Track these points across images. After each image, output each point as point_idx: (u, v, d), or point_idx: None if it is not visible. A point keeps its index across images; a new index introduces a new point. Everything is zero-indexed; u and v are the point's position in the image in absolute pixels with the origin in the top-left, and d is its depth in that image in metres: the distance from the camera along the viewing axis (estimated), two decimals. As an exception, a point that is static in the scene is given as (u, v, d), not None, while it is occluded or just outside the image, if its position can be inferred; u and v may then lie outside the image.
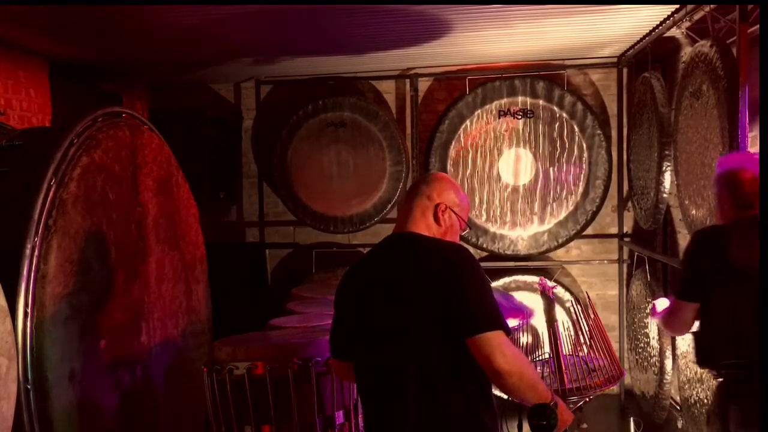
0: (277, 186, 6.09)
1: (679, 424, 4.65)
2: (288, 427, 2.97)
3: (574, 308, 3.05)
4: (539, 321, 3.15)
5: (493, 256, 5.88)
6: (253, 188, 6.33)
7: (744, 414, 2.88)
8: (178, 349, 3.95)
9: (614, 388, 4.66)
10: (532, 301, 3.95)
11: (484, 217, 5.84)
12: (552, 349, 2.95)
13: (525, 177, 5.82)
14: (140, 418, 3.57)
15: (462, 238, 2.54)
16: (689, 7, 4.02)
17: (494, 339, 2.14)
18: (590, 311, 3.02)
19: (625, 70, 5.71)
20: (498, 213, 5.84)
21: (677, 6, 4.13)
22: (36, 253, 2.94)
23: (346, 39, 4.87)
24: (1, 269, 2.70)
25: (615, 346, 4.79)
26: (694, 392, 4.24)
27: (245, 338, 3.34)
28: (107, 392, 3.33)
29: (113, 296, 3.40)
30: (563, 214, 5.79)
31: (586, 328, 3.01)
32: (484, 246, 5.84)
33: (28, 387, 2.85)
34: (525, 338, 3.29)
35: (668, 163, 4.61)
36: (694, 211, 4.12)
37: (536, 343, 3.63)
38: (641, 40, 4.95)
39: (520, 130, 5.79)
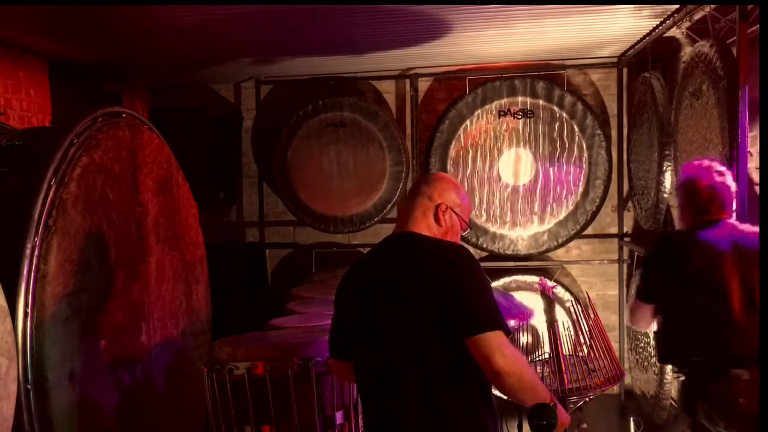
0: (277, 186, 6.09)
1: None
2: (288, 427, 2.97)
3: (574, 308, 3.05)
4: (539, 321, 3.15)
5: (493, 256, 5.88)
6: (253, 188, 6.33)
7: (711, 410, 2.99)
8: (178, 349, 3.95)
9: (614, 388, 4.65)
10: (532, 301, 3.94)
11: (484, 217, 5.84)
12: (552, 349, 2.95)
13: (525, 177, 5.82)
14: (140, 418, 3.57)
15: (462, 238, 2.54)
16: (689, 7, 4.02)
17: (494, 339, 2.14)
18: (590, 311, 3.02)
19: (625, 70, 5.71)
20: (498, 213, 5.84)
21: (677, 6, 4.13)
22: (36, 253, 2.94)
23: (346, 39, 4.87)
24: (1, 269, 2.70)
25: (615, 346, 4.79)
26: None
27: (245, 338, 3.34)
28: (107, 392, 3.33)
29: (113, 296, 3.40)
30: (563, 214, 5.79)
31: (586, 328, 3.01)
32: (484, 246, 5.84)
33: (28, 387, 2.85)
34: (525, 338, 3.28)
35: (668, 163, 4.61)
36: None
37: (536, 343, 3.63)
38: (641, 40, 4.95)
39: (520, 130, 5.79)
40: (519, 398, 2.21)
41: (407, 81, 6.02)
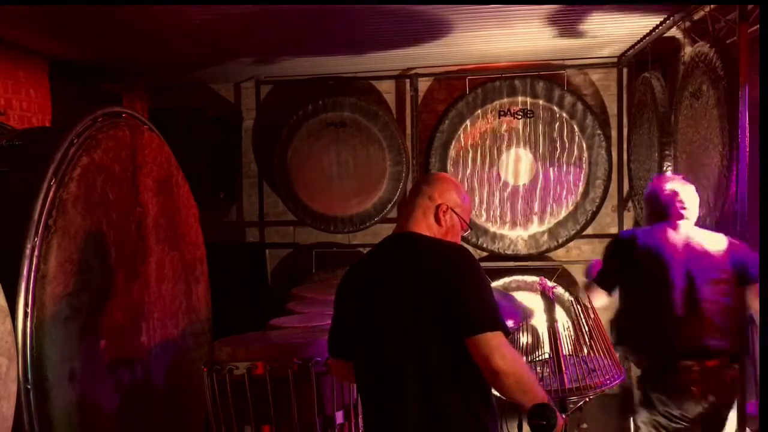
0: (277, 186, 6.09)
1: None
2: (288, 427, 2.97)
3: (574, 308, 3.05)
4: (539, 321, 3.15)
5: (493, 256, 5.88)
6: (253, 188, 6.33)
7: (668, 400, 3.28)
8: (178, 349, 3.94)
9: (614, 388, 4.65)
10: (532, 301, 3.94)
11: (484, 217, 5.84)
12: (552, 349, 2.94)
13: (525, 177, 5.82)
14: (140, 418, 3.57)
15: (462, 238, 2.54)
16: (689, 7, 4.02)
17: (493, 339, 2.14)
18: (590, 311, 3.02)
19: (625, 70, 5.71)
20: (498, 213, 5.84)
21: (677, 6, 4.12)
22: (36, 253, 2.94)
23: (346, 39, 4.87)
24: (1, 269, 2.70)
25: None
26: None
27: (245, 338, 3.33)
28: (107, 392, 3.33)
29: (113, 296, 3.40)
30: (563, 214, 5.79)
31: (586, 328, 3.00)
32: (484, 246, 5.84)
33: (28, 387, 2.85)
34: (525, 338, 3.28)
35: (668, 163, 4.61)
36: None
37: (536, 343, 3.63)
38: (641, 40, 4.95)
39: (520, 130, 5.79)
40: (517, 399, 2.20)
41: (407, 81, 6.01)
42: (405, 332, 2.24)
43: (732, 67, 3.56)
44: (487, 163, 5.86)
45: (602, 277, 3.51)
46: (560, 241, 5.81)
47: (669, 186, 3.42)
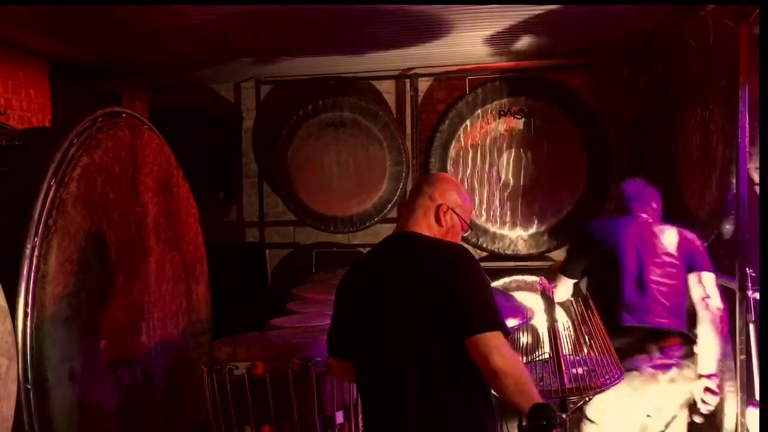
0: (277, 186, 6.08)
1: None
2: (288, 427, 2.97)
3: (574, 308, 3.05)
4: (539, 321, 3.15)
5: (493, 256, 5.87)
6: (253, 188, 6.33)
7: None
8: (178, 349, 3.94)
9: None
10: (532, 301, 3.94)
11: (484, 217, 5.84)
12: (552, 349, 2.95)
13: (525, 177, 5.82)
14: (140, 418, 3.57)
15: (462, 238, 2.54)
16: (689, 7, 4.02)
17: (493, 340, 2.14)
18: (590, 311, 3.02)
19: (624, 70, 5.70)
20: (498, 213, 5.84)
21: (677, 6, 4.12)
22: (36, 253, 2.94)
23: (346, 39, 4.87)
24: (1, 269, 2.70)
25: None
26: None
27: (245, 338, 3.34)
28: (107, 392, 3.33)
29: (113, 296, 3.40)
30: (563, 214, 5.78)
31: (586, 328, 3.01)
32: (484, 246, 5.84)
33: (28, 387, 2.85)
34: (525, 338, 3.29)
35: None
36: (694, 210, 4.12)
37: (536, 343, 3.63)
38: (641, 39, 4.94)
39: (520, 130, 5.78)
40: (514, 401, 2.16)
41: (407, 81, 6.01)
42: (405, 332, 2.24)
43: (732, 67, 3.56)
44: (487, 163, 5.85)
45: (570, 268, 3.83)
46: (560, 241, 5.80)
47: (631, 187, 3.79)
